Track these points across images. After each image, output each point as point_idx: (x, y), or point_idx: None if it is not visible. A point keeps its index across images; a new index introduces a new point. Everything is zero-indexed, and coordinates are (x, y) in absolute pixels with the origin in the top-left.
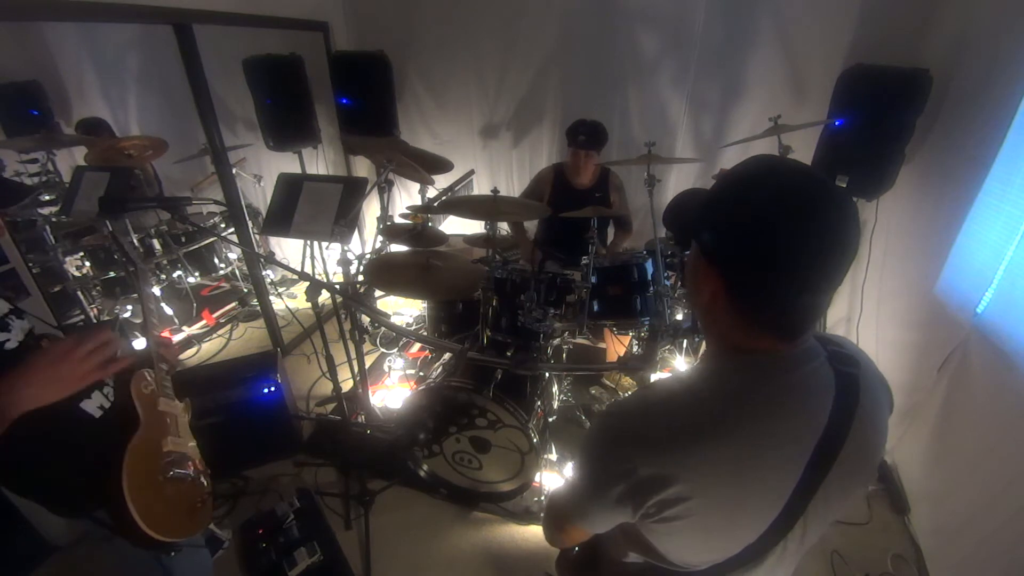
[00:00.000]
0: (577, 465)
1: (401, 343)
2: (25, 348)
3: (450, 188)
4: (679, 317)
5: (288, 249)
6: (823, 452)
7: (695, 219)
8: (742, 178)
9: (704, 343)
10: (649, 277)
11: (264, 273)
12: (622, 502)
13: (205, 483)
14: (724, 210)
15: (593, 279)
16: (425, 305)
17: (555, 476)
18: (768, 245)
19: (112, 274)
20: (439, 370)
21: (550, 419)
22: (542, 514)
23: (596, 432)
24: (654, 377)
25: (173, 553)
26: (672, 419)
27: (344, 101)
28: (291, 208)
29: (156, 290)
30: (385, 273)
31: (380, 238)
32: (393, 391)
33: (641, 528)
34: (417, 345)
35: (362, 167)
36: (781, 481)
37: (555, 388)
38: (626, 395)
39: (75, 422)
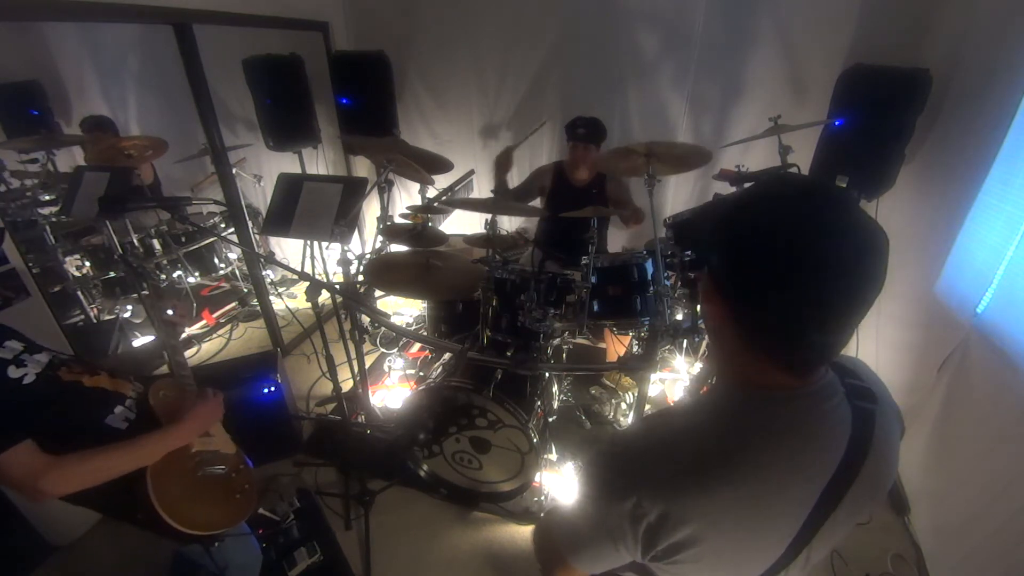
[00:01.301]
0: (577, 503)
1: (401, 343)
2: (44, 380)
3: (450, 188)
4: (679, 317)
5: (288, 249)
6: (834, 490)
7: (705, 239)
8: (751, 194)
9: (712, 369)
10: (649, 277)
11: (264, 273)
12: (628, 544)
13: (243, 474)
14: (729, 231)
15: (593, 279)
16: (425, 305)
17: (555, 476)
18: (767, 274)
19: (112, 274)
20: (439, 370)
21: (550, 419)
22: (534, 537)
23: (597, 468)
24: (654, 378)
25: (216, 544)
26: (681, 459)
27: (344, 101)
28: (291, 208)
29: None
30: (385, 273)
31: (380, 238)
32: (393, 391)
33: (646, 565)
34: (417, 345)
35: (362, 167)
36: (791, 520)
37: (555, 388)
38: (626, 428)
39: (104, 437)
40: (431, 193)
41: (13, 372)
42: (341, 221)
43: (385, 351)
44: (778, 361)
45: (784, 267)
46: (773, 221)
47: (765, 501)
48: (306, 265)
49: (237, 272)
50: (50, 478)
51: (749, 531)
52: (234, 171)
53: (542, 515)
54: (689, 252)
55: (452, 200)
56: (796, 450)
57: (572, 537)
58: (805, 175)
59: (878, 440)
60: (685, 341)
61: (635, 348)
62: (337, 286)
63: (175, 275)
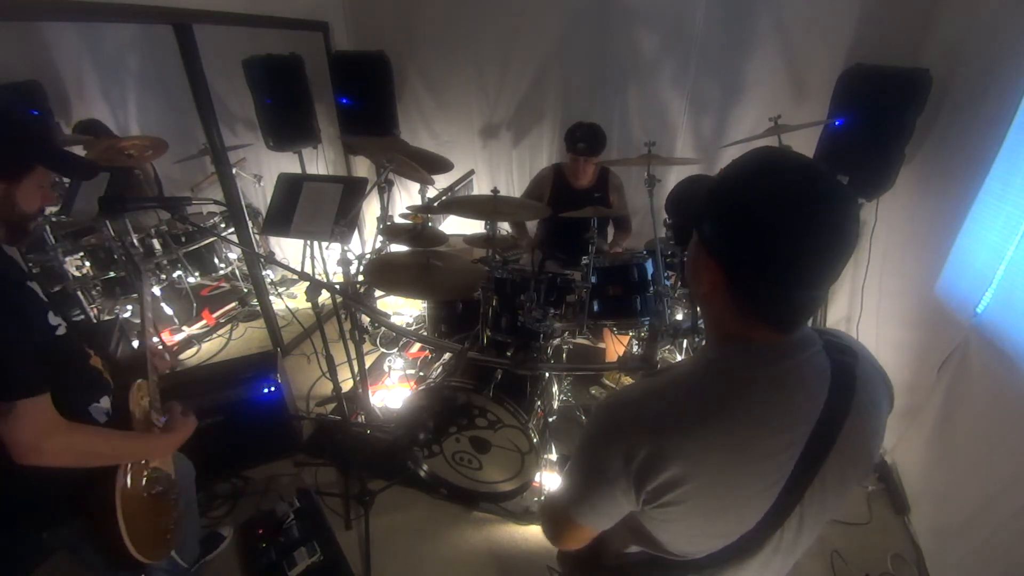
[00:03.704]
0: (574, 456)
1: (401, 343)
2: (68, 338)
3: (450, 188)
4: (679, 317)
5: (288, 249)
6: (818, 440)
7: (697, 209)
8: (743, 170)
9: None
10: (649, 277)
11: (264, 273)
12: (622, 486)
13: (177, 505)
14: (725, 202)
15: (593, 279)
16: (425, 305)
17: (555, 476)
18: (767, 239)
19: (112, 274)
20: (439, 370)
21: (550, 419)
22: (539, 512)
23: (593, 421)
24: None
25: (143, 575)
26: (667, 402)
27: (344, 101)
28: (291, 208)
29: (156, 290)
30: (385, 273)
31: (380, 238)
32: (393, 391)
33: (641, 517)
34: (417, 345)
35: (362, 167)
36: (776, 467)
37: (555, 388)
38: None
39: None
40: (431, 193)
41: (52, 319)
42: (341, 221)
43: (385, 351)
44: (767, 318)
45: (779, 234)
46: (766, 191)
47: (750, 442)
48: (306, 265)
49: (237, 272)
50: (57, 441)
51: (734, 472)
52: (234, 171)
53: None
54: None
55: (452, 201)
56: (778, 395)
57: (572, 489)
58: (787, 149)
59: (860, 396)
60: (685, 341)
61: (635, 348)
62: (337, 286)
63: (175, 275)
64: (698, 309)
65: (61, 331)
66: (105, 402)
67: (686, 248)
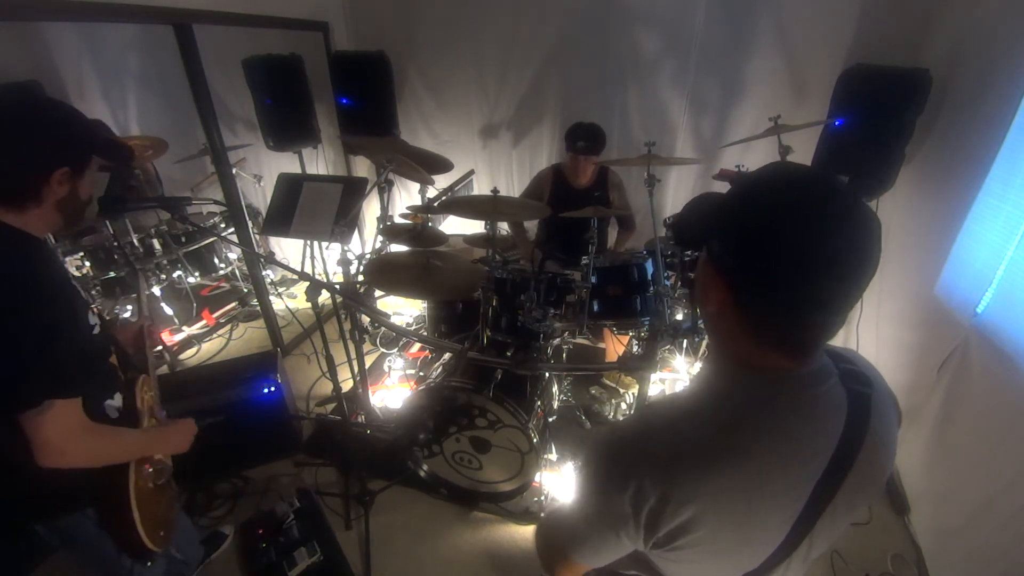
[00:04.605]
0: (576, 495)
1: (401, 343)
2: (101, 336)
3: (450, 188)
4: (679, 317)
5: (288, 249)
6: (833, 473)
7: (706, 224)
8: (756, 185)
9: (708, 355)
10: (649, 277)
11: (264, 273)
12: (629, 531)
13: (173, 493)
14: (734, 217)
15: (593, 279)
16: (425, 305)
17: (555, 476)
18: (776, 258)
19: (112, 274)
20: (439, 370)
21: (550, 419)
22: (536, 535)
23: (596, 459)
24: (654, 378)
25: (149, 563)
26: (677, 441)
27: (344, 101)
28: (291, 208)
29: (156, 290)
30: (385, 273)
31: (380, 238)
32: (393, 391)
33: (648, 554)
34: (417, 345)
35: (362, 167)
36: (790, 503)
37: (555, 388)
38: (624, 417)
39: (98, 421)
40: (431, 193)
41: (91, 318)
42: (341, 221)
43: (385, 351)
44: (778, 344)
45: (790, 252)
46: (779, 207)
47: (765, 481)
48: (306, 265)
49: (237, 272)
50: (82, 443)
51: (749, 513)
52: (234, 171)
53: (543, 515)
54: (689, 253)
55: (452, 201)
56: (795, 431)
57: (574, 532)
58: (804, 165)
59: (875, 424)
60: (685, 341)
61: (635, 348)
62: (337, 286)
63: (175, 275)
64: (700, 318)
65: (97, 329)
66: (117, 398)
67: (687, 248)
